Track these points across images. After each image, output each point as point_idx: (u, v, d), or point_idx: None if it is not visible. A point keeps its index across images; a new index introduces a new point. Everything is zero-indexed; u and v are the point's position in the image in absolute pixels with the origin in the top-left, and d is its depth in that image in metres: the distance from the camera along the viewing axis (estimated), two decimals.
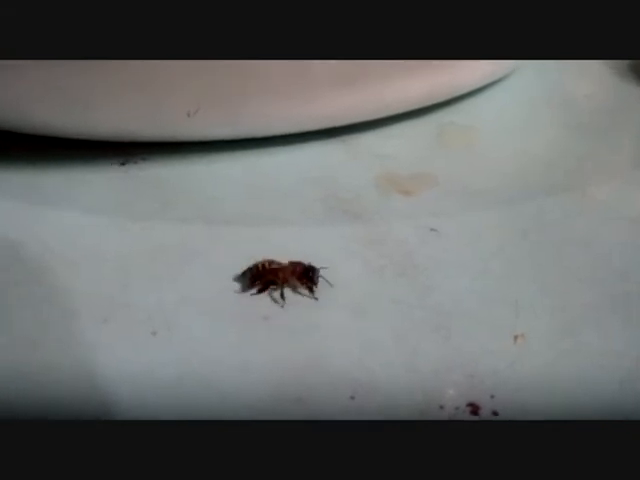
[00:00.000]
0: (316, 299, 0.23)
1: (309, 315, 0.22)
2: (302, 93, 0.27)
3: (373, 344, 0.21)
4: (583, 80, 0.35)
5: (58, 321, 0.22)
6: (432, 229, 0.26)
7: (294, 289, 0.23)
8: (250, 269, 0.23)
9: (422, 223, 0.26)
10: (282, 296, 0.23)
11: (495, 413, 0.19)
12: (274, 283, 0.23)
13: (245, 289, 0.23)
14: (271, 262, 0.23)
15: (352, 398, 0.20)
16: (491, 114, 0.33)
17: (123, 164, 0.28)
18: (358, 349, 0.21)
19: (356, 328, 0.22)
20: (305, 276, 0.23)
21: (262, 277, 0.23)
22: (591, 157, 0.31)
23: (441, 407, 0.19)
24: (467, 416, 0.19)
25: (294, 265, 0.23)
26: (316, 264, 0.23)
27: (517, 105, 0.34)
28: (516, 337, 0.22)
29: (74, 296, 0.22)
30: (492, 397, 0.20)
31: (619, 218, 0.27)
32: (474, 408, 0.19)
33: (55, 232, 0.25)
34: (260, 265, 0.23)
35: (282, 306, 0.22)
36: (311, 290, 0.23)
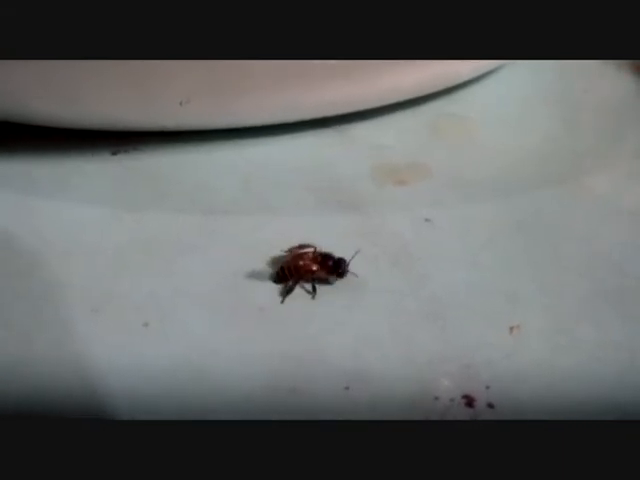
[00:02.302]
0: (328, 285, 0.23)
1: (304, 306, 0.22)
2: (297, 82, 0.27)
3: (368, 335, 0.21)
4: (580, 74, 0.35)
5: (52, 314, 0.22)
6: (427, 219, 0.26)
7: (326, 283, 0.23)
8: (282, 268, 0.23)
9: (417, 214, 0.26)
10: (314, 289, 0.23)
11: (490, 405, 0.19)
12: (304, 278, 0.23)
13: (276, 282, 0.23)
14: (298, 257, 0.23)
15: (347, 389, 0.20)
16: (487, 105, 0.33)
17: (114, 154, 0.28)
18: (353, 340, 0.21)
19: (351, 319, 0.22)
20: (335, 270, 0.23)
21: (293, 275, 0.23)
22: (587, 150, 0.31)
23: (436, 398, 0.19)
24: (462, 408, 0.19)
25: (325, 259, 0.23)
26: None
27: (513, 97, 0.33)
28: (512, 328, 0.22)
29: (68, 289, 0.22)
30: (487, 388, 0.20)
31: (615, 211, 0.27)
32: (469, 400, 0.19)
33: (49, 224, 0.25)
34: (291, 264, 0.23)
35: (313, 297, 0.22)
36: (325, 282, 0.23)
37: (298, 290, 0.23)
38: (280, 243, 0.24)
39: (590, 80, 0.35)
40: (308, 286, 0.23)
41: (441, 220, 0.26)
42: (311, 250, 0.23)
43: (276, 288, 0.23)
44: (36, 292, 0.22)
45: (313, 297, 0.23)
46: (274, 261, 0.23)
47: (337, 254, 0.23)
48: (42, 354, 0.20)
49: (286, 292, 0.23)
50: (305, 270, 0.23)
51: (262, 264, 0.23)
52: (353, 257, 0.23)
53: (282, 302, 0.22)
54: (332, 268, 0.23)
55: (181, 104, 0.25)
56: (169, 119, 0.27)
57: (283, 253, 0.23)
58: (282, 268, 0.23)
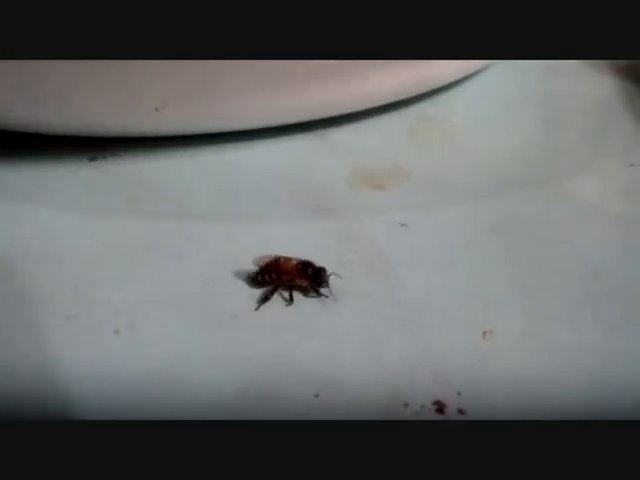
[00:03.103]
0: (327, 297, 0.22)
1: (278, 312, 0.22)
2: (276, 86, 0.27)
3: (340, 341, 0.21)
4: (562, 74, 0.35)
5: (25, 320, 0.21)
6: (403, 224, 0.26)
7: (305, 293, 0.23)
8: (261, 271, 0.23)
9: (395, 218, 0.26)
10: (291, 297, 0.22)
11: (461, 411, 0.19)
12: (283, 286, 0.23)
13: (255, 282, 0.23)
14: (279, 261, 0.23)
15: (316, 396, 0.19)
16: (468, 108, 0.33)
17: (92, 160, 0.28)
18: (325, 346, 0.21)
19: (323, 325, 0.22)
20: (314, 278, 0.22)
21: (273, 280, 0.23)
22: (570, 152, 0.30)
23: (406, 405, 0.19)
24: (432, 414, 0.19)
25: (305, 267, 0.22)
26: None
27: (494, 99, 0.33)
28: (485, 333, 0.21)
29: (42, 294, 0.22)
30: (459, 394, 0.20)
31: (595, 213, 0.27)
32: (440, 406, 0.19)
33: (24, 229, 0.25)
34: (272, 266, 0.23)
35: (288, 305, 0.22)
36: (319, 292, 0.22)
37: (273, 296, 0.23)
38: (258, 248, 0.24)
39: (572, 81, 0.35)
40: (285, 293, 0.23)
41: (419, 224, 0.26)
42: (291, 258, 0.23)
43: (251, 295, 0.23)
44: (10, 297, 0.22)
45: (288, 304, 0.22)
46: (251, 270, 0.23)
47: (315, 260, 0.23)
48: (15, 359, 0.20)
49: (263, 299, 0.22)
50: (285, 273, 0.22)
51: (239, 270, 0.23)
52: (330, 275, 0.22)
53: (257, 309, 0.22)
54: (311, 277, 0.22)
55: (157, 109, 0.25)
56: (145, 125, 0.27)
57: (259, 265, 0.23)
58: (262, 270, 0.23)
